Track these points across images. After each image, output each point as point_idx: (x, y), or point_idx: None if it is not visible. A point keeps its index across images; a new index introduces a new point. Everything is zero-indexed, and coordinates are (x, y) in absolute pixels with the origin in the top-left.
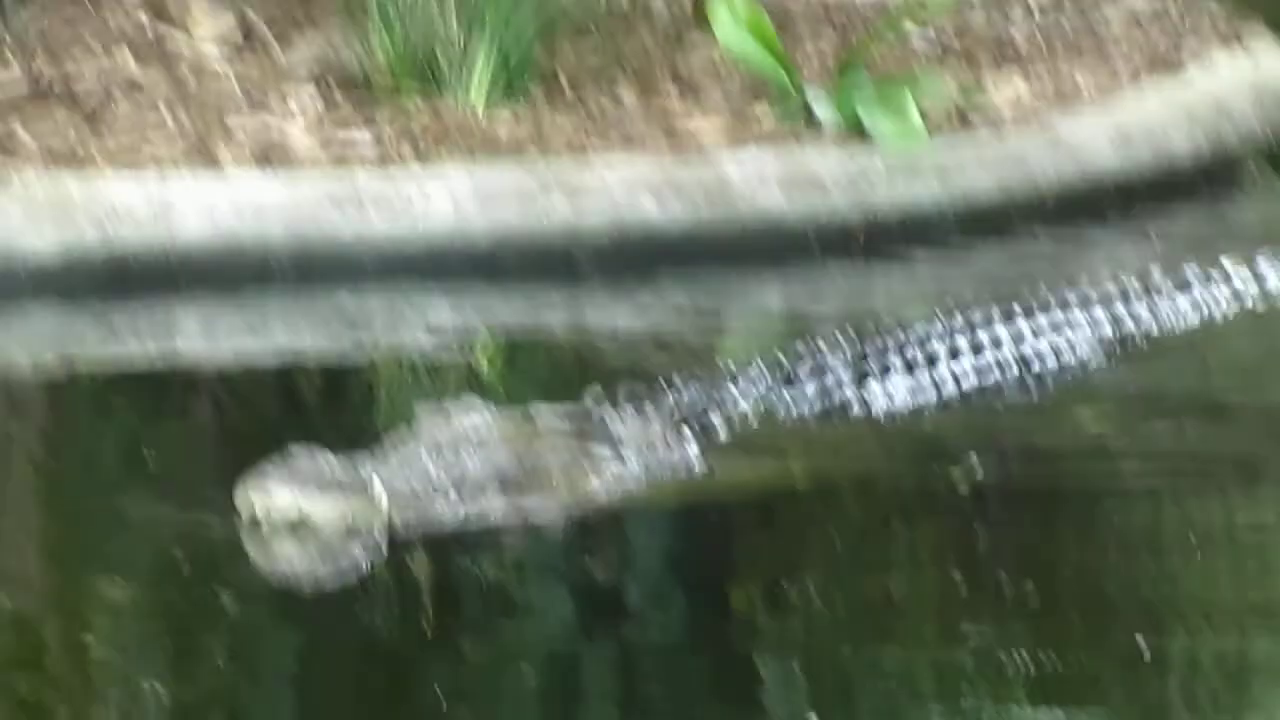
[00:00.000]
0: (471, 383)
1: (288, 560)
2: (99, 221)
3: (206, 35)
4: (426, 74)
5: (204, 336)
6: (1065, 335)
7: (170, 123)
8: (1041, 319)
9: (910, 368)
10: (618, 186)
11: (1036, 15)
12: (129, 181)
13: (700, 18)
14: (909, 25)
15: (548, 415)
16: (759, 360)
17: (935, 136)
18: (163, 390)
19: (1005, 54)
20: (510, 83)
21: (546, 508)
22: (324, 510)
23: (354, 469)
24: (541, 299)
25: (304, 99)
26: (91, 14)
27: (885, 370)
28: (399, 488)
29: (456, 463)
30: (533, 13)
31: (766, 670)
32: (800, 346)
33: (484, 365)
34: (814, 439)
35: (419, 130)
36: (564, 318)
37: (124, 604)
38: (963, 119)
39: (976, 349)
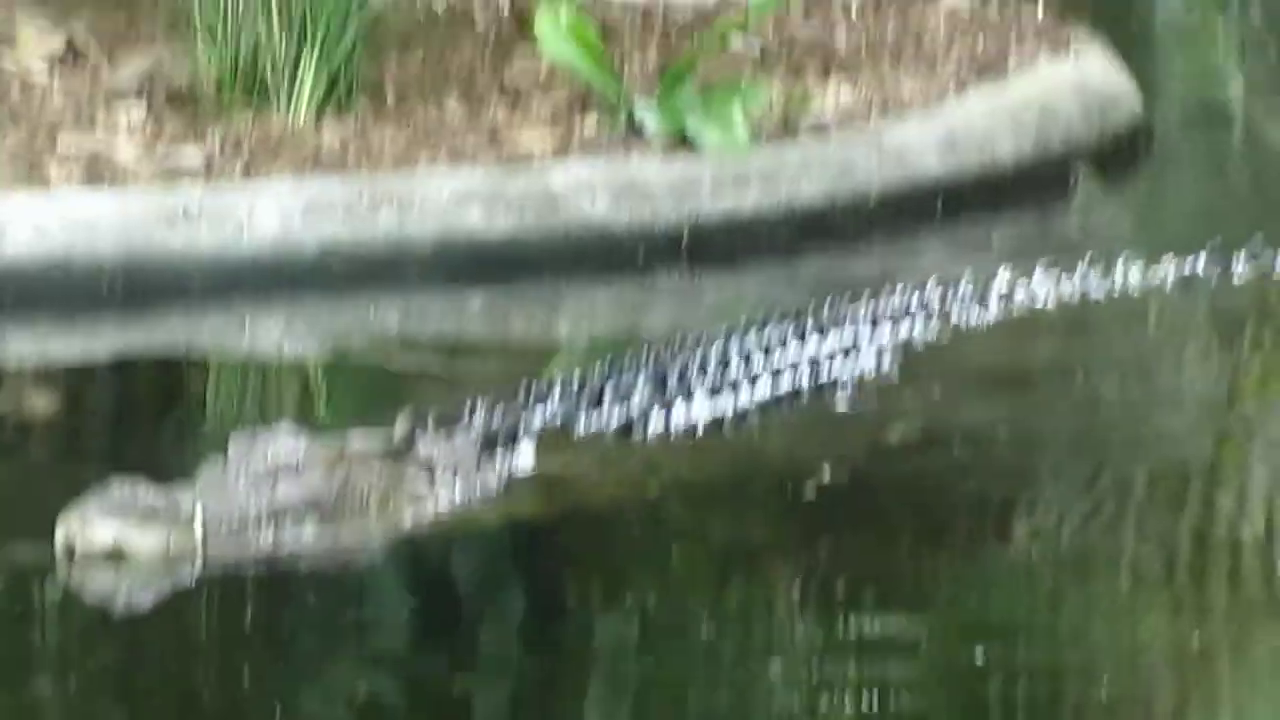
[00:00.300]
0: (296, 401)
1: (107, 591)
2: None
3: (34, 53)
4: (253, 87)
5: (34, 355)
6: (858, 354)
7: None
8: (834, 338)
9: (712, 391)
10: (445, 198)
11: (858, 22)
12: None
13: (524, 29)
14: (734, 34)
15: (361, 441)
16: (564, 381)
17: (762, 145)
18: None
19: (830, 61)
20: (337, 96)
21: (362, 535)
22: (143, 542)
23: (172, 500)
24: (368, 312)
25: (132, 115)
26: None
27: (688, 394)
28: (216, 518)
29: (272, 491)
30: (358, 25)
31: (593, 691)
32: (604, 367)
33: (308, 383)
34: (622, 459)
35: (247, 144)
36: (390, 331)
37: None
38: (789, 127)
39: (774, 371)
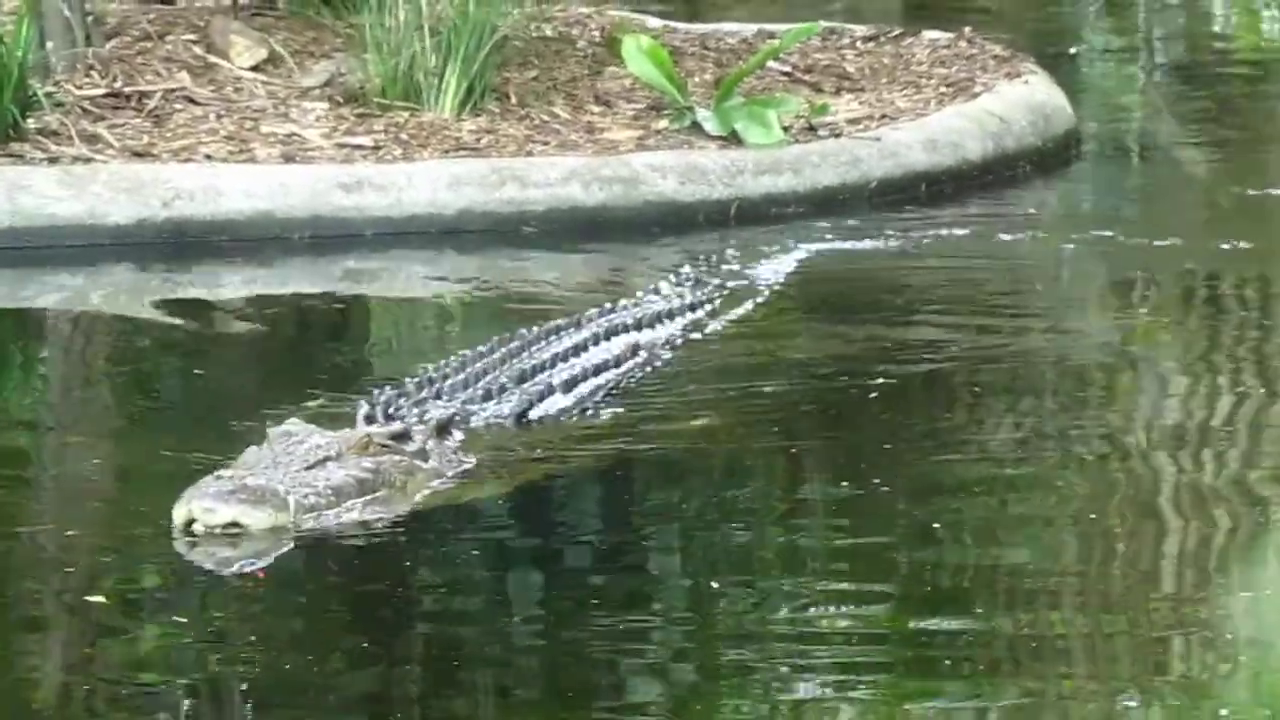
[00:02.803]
0: (433, 327)
1: (243, 555)
2: (163, 199)
3: (244, 62)
4: (410, 92)
5: (241, 289)
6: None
7: (217, 126)
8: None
9: (567, 385)
10: (554, 176)
11: (863, 51)
12: (186, 169)
13: (614, 50)
14: (770, 59)
15: (378, 430)
16: (450, 376)
17: (791, 142)
18: (206, 330)
19: (842, 81)
20: (474, 98)
21: (396, 507)
22: (256, 520)
23: (266, 486)
24: (492, 261)
25: (318, 110)
26: (158, 44)
27: (550, 389)
28: (301, 500)
29: (328, 476)
30: (489, 44)
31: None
32: (481, 363)
33: (441, 314)
34: (534, 442)
35: (405, 134)
36: (508, 276)
37: None
38: (812, 129)
39: (603, 364)
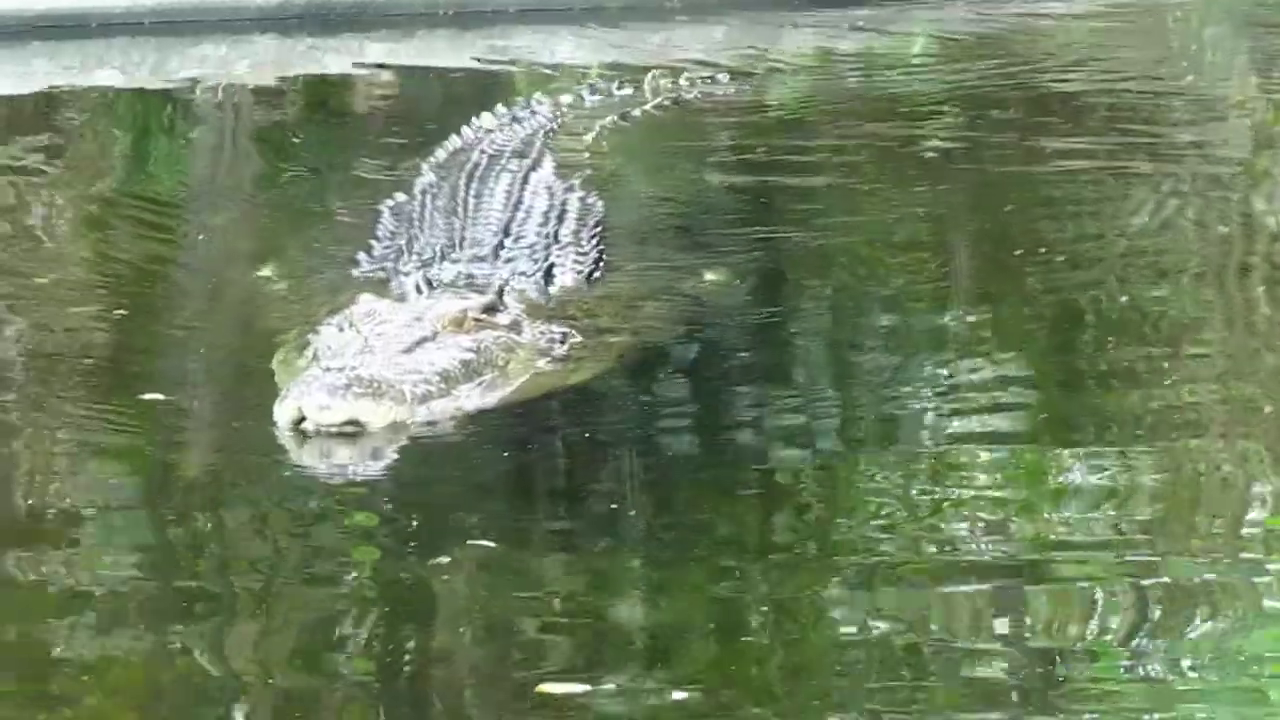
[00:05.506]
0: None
1: (342, 456)
2: None
3: None
4: None
5: (384, 60)
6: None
7: None
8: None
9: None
10: None
11: None
12: None
13: None
14: None
15: (472, 304)
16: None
17: None
18: (349, 102)
19: None
20: None
21: (503, 393)
22: (376, 416)
23: (380, 377)
24: (635, 34)
25: None
26: None
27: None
28: (413, 390)
29: (432, 360)
30: None
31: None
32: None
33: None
34: (594, 310)
35: None
36: (652, 50)
37: None
38: None
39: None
